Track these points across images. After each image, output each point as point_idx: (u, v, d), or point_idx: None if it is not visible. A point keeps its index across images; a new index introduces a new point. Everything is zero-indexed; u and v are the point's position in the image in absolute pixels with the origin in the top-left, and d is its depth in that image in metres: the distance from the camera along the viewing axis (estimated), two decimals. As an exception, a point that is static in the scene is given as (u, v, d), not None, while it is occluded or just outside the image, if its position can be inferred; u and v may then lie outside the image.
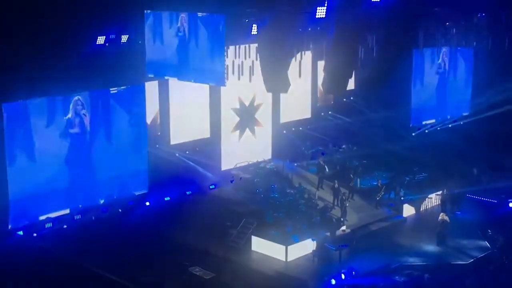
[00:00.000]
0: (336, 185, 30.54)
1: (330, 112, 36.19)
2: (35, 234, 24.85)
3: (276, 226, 27.38)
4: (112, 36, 25.77)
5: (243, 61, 31.59)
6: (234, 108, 32.85)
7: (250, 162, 33.00)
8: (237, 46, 29.38)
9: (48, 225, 25.27)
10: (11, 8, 22.56)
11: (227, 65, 27.94)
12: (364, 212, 30.24)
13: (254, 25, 26.87)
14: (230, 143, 32.69)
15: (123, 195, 27.47)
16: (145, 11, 26.15)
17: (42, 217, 25.15)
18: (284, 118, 35.12)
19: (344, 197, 29.76)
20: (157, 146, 29.41)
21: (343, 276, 23.42)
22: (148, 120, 28.99)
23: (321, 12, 25.12)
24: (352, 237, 27.39)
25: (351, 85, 35.01)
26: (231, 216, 28.16)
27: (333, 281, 23.36)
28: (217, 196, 29.76)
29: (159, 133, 29.93)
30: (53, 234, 25.12)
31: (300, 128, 35.41)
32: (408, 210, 30.82)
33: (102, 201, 26.88)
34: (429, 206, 31.62)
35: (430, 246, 27.12)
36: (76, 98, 25.47)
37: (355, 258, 25.40)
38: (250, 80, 32.56)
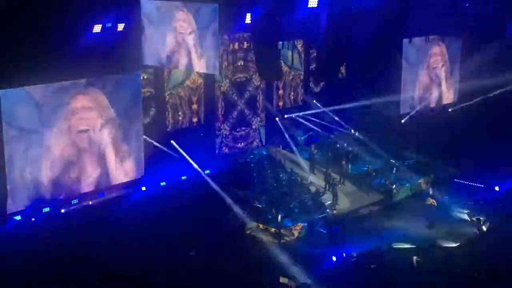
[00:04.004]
0: (328, 171, 31.18)
1: (321, 101, 36.62)
2: (33, 219, 25.14)
3: (269, 210, 28.04)
4: (109, 25, 25.97)
5: (236, 50, 32.26)
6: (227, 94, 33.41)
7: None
8: (231, 35, 29.85)
9: (45, 209, 25.59)
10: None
11: (221, 54, 28.36)
12: (355, 197, 30.89)
13: (247, 14, 27.24)
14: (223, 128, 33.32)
15: (119, 181, 27.93)
16: (141, 0, 26.59)
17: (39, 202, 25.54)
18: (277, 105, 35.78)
19: (335, 182, 30.37)
20: (153, 132, 29.82)
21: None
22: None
23: (313, 1, 25.67)
24: (343, 221, 28.06)
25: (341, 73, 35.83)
26: (225, 201, 28.64)
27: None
28: (212, 181, 30.19)
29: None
30: (51, 219, 25.46)
31: (293, 115, 35.92)
32: (397, 195, 31.53)
33: (99, 187, 27.36)
34: (418, 191, 32.32)
35: (420, 229, 27.59)
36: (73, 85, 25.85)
37: (346, 242, 25.91)
38: (243, 68, 33.23)
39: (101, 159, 27.21)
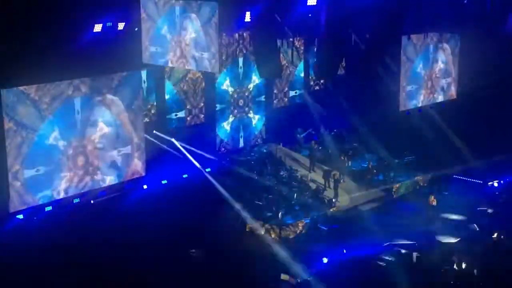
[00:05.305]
0: (328, 168, 31.27)
1: (321, 97, 36.67)
2: (35, 218, 25.20)
3: (270, 207, 28.16)
4: (109, 24, 26.00)
5: (236, 48, 32.31)
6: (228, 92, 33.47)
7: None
8: (231, 34, 29.84)
9: (47, 208, 25.58)
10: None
11: (221, 52, 28.33)
12: (355, 194, 31.02)
13: (247, 12, 27.28)
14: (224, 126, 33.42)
15: (120, 179, 28.00)
16: (141, -1, 26.67)
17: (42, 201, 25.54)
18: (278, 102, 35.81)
19: (335, 179, 30.48)
20: (154, 131, 29.90)
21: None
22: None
23: (312, -1, 25.79)
24: (344, 218, 28.17)
25: (341, 70, 35.83)
26: (226, 198, 28.76)
27: (325, 260, 24.16)
28: (213, 180, 30.31)
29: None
30: (53, 218, 25.45)
31: (294, 113, 35.90)
32: (397, 192, 31.62)
33: (101, 186, 27.44)
34: (418, 187, 32.43)
35: (419, 226, 27.72)
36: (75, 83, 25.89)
37: (346, 238, 26.07)
38: (243, 66, 33.31)
39: (102, 157, 27.31)
